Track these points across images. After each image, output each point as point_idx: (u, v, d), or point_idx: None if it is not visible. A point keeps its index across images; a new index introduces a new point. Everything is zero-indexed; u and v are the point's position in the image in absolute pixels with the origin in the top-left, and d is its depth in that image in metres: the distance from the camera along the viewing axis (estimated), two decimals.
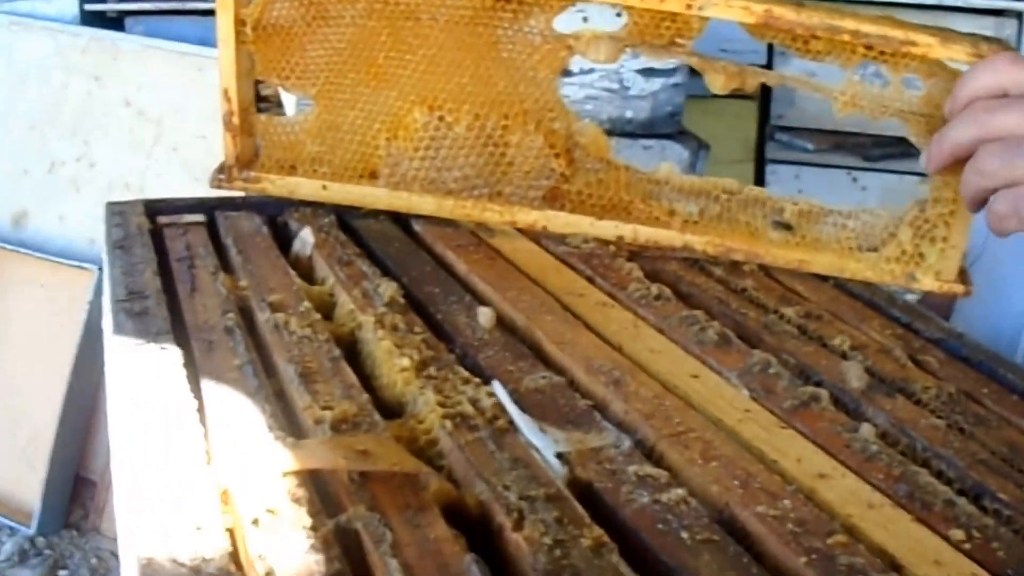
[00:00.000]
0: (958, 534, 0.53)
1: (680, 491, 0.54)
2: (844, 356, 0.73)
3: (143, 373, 0.61)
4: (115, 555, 2.31)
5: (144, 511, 0.48)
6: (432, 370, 0.63)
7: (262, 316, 0.70)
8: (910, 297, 0.91)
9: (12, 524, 2.31)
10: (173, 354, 0.63)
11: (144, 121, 2.28)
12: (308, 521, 0.48)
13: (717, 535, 0.51)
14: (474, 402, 0.59)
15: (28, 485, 2.30)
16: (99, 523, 2.32)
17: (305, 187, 0.90)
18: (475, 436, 0.57)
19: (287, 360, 0.63)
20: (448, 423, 0.57)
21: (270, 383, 0.62)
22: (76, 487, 2.38)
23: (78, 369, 2.24)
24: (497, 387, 0.60)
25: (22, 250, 2.30)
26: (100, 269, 2.21)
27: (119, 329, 0.66)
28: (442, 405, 0.59)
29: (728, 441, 0.60)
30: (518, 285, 0.78)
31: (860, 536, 0.52)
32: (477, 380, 0.63)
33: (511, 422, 0.58)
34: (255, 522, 0.48)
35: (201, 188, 1.04)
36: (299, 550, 0.46)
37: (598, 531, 0.49)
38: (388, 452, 0.52)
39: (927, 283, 0.85)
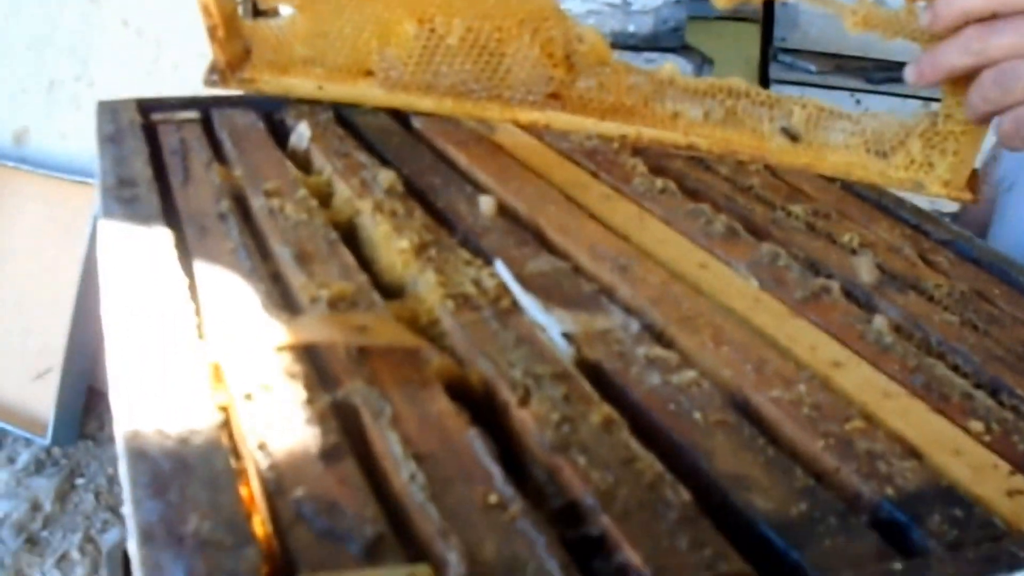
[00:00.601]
0: (977, 426, 0.50)
1: (692, 373, 0.50)
2: (854, 252, 0.69)
3: (133, 255, 0.56)
4: None
5: (132, 386, 0.44)
6: (432, 252, 0.59)
7: (257, 203, 0.66)
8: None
9: (27, 435, 2.29)
10: (164, 237, 0.59)
11: (143, 40, 2.21)
12: (304, 395, 0.44)
13: (731, 417, 0.47)
14: (476, 283, 0.56)
15: (41, 397, 2.28)
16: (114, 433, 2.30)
17: (300, 87, 0.85)
18: (478, 315, 0.53)
19: (282, 243, 0.59)
20: (450, 302, 0.53)
21: (265, 266, 0.58)
22: (91, 399, 2.36)
23: (86, 281, 2.20)
24: (500, 266, 0.57)
25: (24, 167, 2.25)
26: None
27: (108, 215, 0.62)
28: (443, 285, 0.55)
29: (739, 327, 0.56)
30: (520, 177, 0.74)
31: (877, 424, 0.49)
32: (479, 262, 0.59)
33: (515, 303, 0.54)
34: (248, 397, 0.44)
35: None
36: (294, 424, 0.42)
37: (607, 409, 0.46)
38: (387, 328, 0.48)
39: (935, 189, 0.81)
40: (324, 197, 0.70)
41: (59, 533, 2.22)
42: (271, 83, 0.85)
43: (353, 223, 0.66)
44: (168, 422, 0.41)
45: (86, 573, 2.15)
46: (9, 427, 2.31)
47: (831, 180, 0.82)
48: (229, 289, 0.54)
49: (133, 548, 0.35)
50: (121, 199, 0.64)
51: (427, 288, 0.55)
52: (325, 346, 0.48)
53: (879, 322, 0.59)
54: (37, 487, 2.27)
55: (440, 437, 0.42)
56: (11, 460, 2.33)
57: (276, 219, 0.63)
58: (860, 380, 0.53)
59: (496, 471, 0.40)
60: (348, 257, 0.58)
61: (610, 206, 0.71)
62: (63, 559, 2.17)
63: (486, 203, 0.67)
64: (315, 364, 0.47)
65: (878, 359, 0.55)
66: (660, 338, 0.54)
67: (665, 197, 0.73)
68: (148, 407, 0.42)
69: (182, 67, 2.16)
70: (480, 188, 0.72)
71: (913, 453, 0.47)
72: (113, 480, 2.31)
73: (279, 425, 0.42)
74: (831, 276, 0.65)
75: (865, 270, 0.65)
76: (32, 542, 2.19)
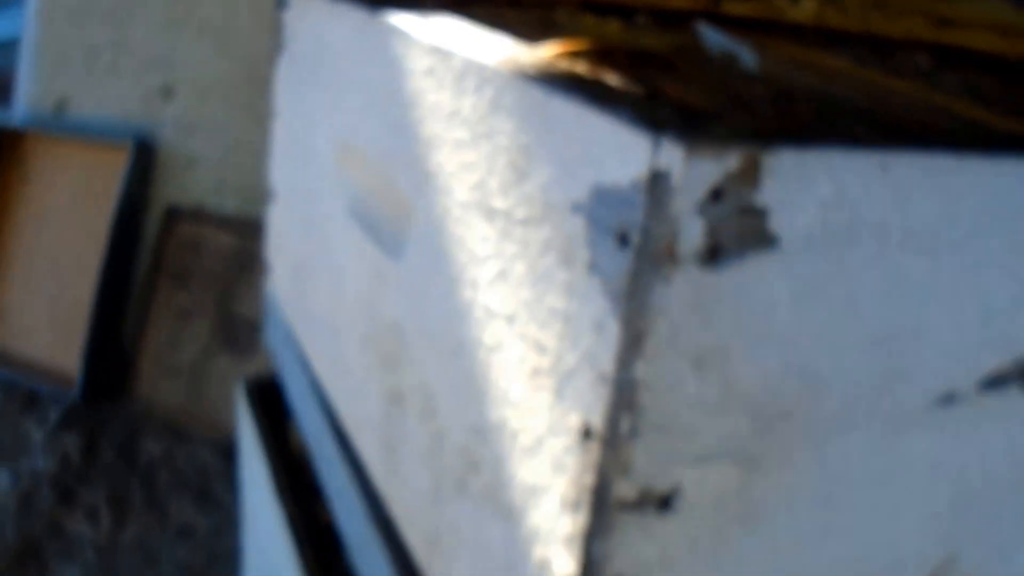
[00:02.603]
0: None
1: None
2: None
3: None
4: (146, 416, 2.34)
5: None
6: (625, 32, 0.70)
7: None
8: None
9: (57, 390, 2.33)
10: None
11: (175, 2, 2.29)
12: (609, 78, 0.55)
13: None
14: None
15: (70, 356, 2.33)
16: (132, 387, 2.35)
17: None
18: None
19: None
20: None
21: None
22: (117, 359, 2.42)
23: (114, 242, 2.26)
24: (702, 26, 0.68)
25: (62, 135, 2.31)
26: (135, 143, 2.23)
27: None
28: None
29: None
30: None
31: None
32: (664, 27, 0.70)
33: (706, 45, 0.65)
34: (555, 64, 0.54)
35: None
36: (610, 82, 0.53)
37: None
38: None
39: None
40: None
41: (87, 488, 2.26)
42: None
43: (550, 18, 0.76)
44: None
45: (111, 525, 2.20)
46: (41, 386, 2.35)
47: None
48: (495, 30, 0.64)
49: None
50: None
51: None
52: (609, 50, 0.58)
53: None
54: (67, 443, 2.31)
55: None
56: (43, 419, 2.37)
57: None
58: None
59: None
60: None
61: None
62: (91, 512, 2.21)
63: None
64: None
65: None
66: None
67: None
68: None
69: (211, 22, 2.25)
70: None
71: None
72: (130, 435, 2.36)
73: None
74: None
75: None
76: (65, 497, 2.24)
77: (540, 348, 0.44)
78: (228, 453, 2.28)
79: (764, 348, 0.41)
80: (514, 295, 0.47)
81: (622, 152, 0.39)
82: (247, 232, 2.20)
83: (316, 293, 0.77)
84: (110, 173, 2.28)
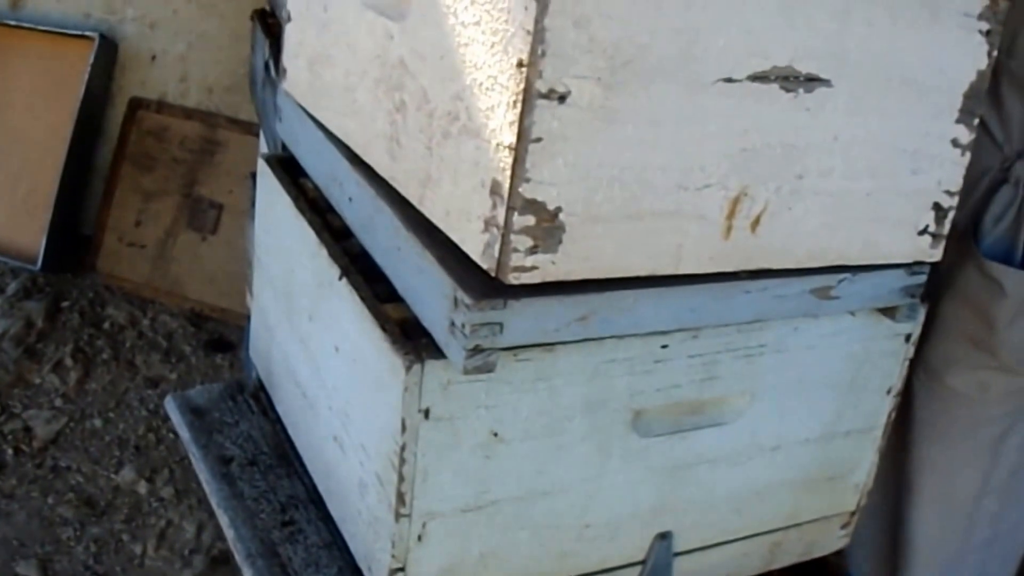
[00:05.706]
0: None
1: None
2: None
3: None
4: (108, 288, 2.73)
5: None
6: None
7: None
8: None
9: (17, 264, 2.68)
10: None
11: None
12: None
13: None
14: None
15: (29, 233, 2.68)
16: (94, 262, 2.73)
17: None
18: None
19: None
20: None
21: None
22: (74, 241, 2.77)
23: (79, 128, 2.63)
24: None
25: (24, 24, 2.66)
26: (100, 35, 2.61)
27: None
28: None
29: None
30: None
31: None
32: None
33: None
34: None
35: None
36: None
37: None
38: None
39: None
40: None
41: (52, 345, 2.63)
42: None
43: None
44: None
45: (79, 376, 2.57)
46: (2, 258, 2.71)
47: None
48: None
49: None
50: None
51: None
52: None
53: None
54: (29, 308, 2.68)
55: None
56: (2, 289, 2.73)
57: None
58: None
59: None
60: None
61: None
62: (58, 366, 2.59)
63: None
64: None
65: None
66: None
67: None
68: None
69: None
70: None
71: None
72: (93, 302, 2.74)
73: None
74: None
75: None
76: (30, 353, 2.60)
77: (494, 32, 0.89)
78: (194, 320, 2.68)
79: (608, 21, 0.86)
80: (480, 10, 0.92)
81: None
82: (210, 122, 2.61)
83: (333, 71, 1.20)
84: (74, 64, 2.65)
